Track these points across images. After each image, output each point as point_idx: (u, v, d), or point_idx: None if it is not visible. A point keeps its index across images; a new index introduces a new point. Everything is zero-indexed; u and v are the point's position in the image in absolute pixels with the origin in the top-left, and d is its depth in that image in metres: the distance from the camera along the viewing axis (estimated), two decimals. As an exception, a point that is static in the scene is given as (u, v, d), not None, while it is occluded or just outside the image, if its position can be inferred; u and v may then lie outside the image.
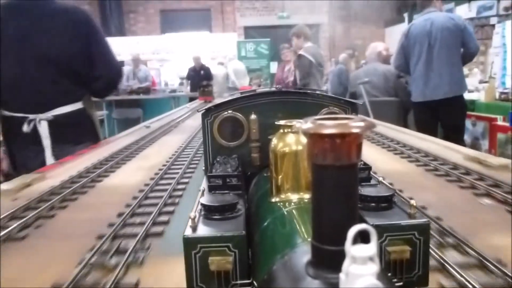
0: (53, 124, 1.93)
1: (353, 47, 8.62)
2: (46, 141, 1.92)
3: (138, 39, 10.57)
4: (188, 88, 8.24)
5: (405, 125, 3.91)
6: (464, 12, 7.09)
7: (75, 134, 2.00)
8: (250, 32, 11.28)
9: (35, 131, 1.92)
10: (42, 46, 1.93)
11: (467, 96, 4.66)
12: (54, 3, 2.01)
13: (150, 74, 8.66)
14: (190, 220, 0.44)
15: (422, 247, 0.44)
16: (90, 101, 2.12)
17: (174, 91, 8.72)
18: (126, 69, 8.46)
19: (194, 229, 0.44)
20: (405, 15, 10.03)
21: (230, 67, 8.50)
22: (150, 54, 10.39)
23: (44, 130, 1.91)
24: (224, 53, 9.86)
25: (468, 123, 4.28)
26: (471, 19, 7.15)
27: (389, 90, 4.40)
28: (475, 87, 4.84)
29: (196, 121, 2.95)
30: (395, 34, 9.81)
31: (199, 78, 7.50)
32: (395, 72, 4.28)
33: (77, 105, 2.01)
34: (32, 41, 1.92)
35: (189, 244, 0.42)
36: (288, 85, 5.81)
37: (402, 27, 10.16)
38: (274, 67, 9.80)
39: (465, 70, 4.27)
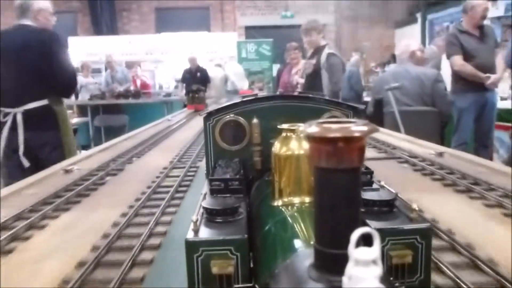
0: (25, 115, 2.74)
1: (360, 49, 8.65)
2: (20, 128, 2.73)
3: (130, 38, 10.55)
4: (183, 92, 8.18)
5: (442, 141, 3.57)
6: (489, 10, 7.00)
7: (40, 123, 2.81)
8: (251, 32, 11.26)
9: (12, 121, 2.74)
10: (21, 59, 2.77)
11: (500, 104, 4.32)
12: (32, 27, 2.83)
13: (129, 74, 8.60)
14: (192, 224, 0.47)
15: (424, 251, 0.47)
16: (54, 98, 2.90)
17: (169, 94, 8.63)
18: (106, 73, 8.42)
19: (196, 232, 0.46)
20: (418, 15, 10.06)
21: (227, 69, 8.50)
22: (143, 54, 10.36)
23: (19, 120, 2.73)
24: (223, 54, 9.83)
25: (504, 135, 4.01)
26: (498, 18, 6.90)
27: (425, 98, 3.83)
28: (509, 94, 4.62)
29: (166, 154, 1.86)
30: (406, 36, 9.85)
31: (195, 81, 7.44)
32: (432, 75, 3.82)
33: (43, 102, 2.82)
34: (14, 56, 2.74)
35: (191, 247, 0.45)
36: (296, 89, 5.63)
37: (414, 28, 10.21)
38: (277, 69, 9.80)
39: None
